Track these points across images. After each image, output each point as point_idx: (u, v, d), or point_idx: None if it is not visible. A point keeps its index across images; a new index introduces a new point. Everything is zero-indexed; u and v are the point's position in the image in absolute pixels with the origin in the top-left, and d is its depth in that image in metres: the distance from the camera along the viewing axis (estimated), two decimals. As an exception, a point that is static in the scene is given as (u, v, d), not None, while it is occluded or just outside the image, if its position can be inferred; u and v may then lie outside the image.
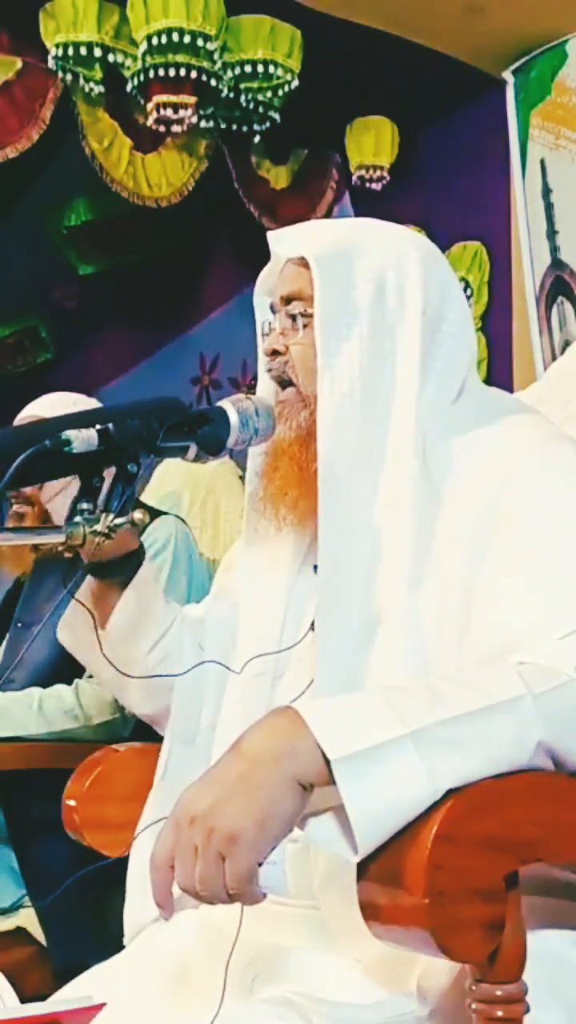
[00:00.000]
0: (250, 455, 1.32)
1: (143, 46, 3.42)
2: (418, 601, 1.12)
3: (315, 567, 1.22)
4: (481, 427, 1.19)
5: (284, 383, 1.26)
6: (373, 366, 1.19)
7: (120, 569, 1.32)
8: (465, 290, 4.26)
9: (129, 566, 1.33)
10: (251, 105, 3.79)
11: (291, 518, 1.25)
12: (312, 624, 1.22)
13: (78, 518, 1.14)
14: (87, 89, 3.63)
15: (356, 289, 1.20)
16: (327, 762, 0.89)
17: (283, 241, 1.29)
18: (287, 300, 1.26)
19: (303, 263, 1.23)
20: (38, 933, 1.87)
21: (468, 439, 1.18)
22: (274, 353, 1.26)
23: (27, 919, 1.88)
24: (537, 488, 1.12)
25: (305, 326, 1.23)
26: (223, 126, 3.93)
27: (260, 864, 0.90)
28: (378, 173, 4.30)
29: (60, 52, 3.49)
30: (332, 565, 1.16)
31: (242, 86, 3.71)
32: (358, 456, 1.17)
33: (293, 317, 1.25)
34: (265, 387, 1.32)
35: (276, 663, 1.26)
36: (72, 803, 1.42)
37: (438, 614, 1.11)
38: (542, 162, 4.06)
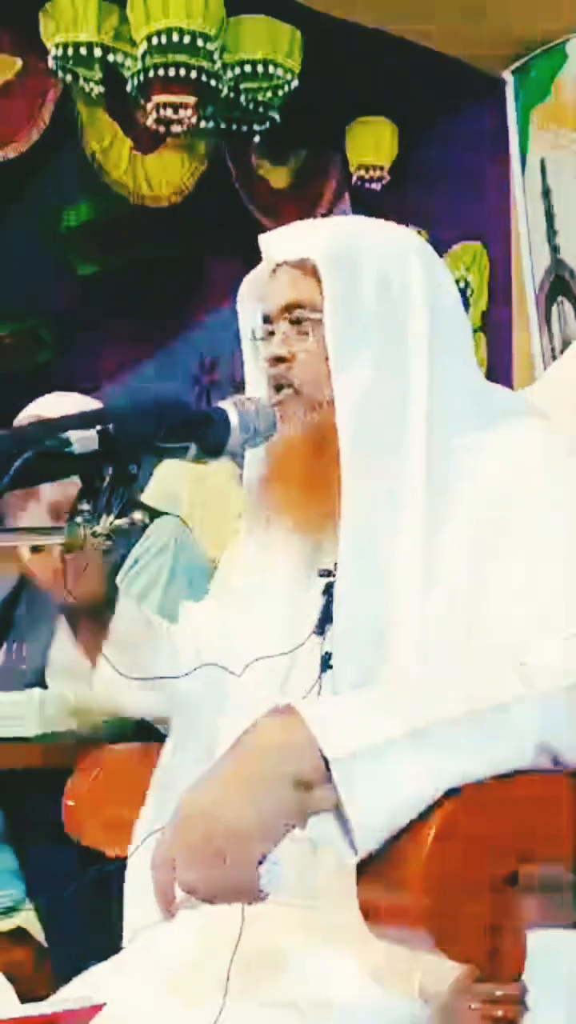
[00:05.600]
0: (248, 460, 1.30)
1: (143, 46, 3.42)
2: (429, 600, 1.12)
3: (319, 572, 1.23)
4: (487, 428, 1.19)
5: (283, 387, 1.25)
6: (386, 368, 1.18)
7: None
8: (465, 290, 4.26)
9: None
10: (251, 105, 3.79)
11: (294, 522, 1.25)
12: (316, 628, 1.22)
13: (78, 519, 1.14)
14: (87, 89, 3.63)
15: (363, 291, 1.19)
16: (326, 761, 0.89)
17: (279, 244, 1.26)
18: (289, 307, 1.23)
19: (299, 266, 1.22)
20: (38, 933, 1.87)
21: (475, 439, 1.18)
22: (278, 360, 1.23)
23: (27, 919, 1.88)
24: (543, 493, 1.13)
25: (310, 332, 1.21)
26: (223, 126, 3.93)
27: (261, 863, 0.91)
28: (378, 173, 4.31)
29: (60, 52, 3.50)
30: (352, 570, 1.15)
31: (242, 86, 3.71)
32: (379, 459, 1.17)
33: (297, 323, 1.22)
34: (253, 390, 1.30)
35: (284, 666, 1.25)
36: (72, 803, 1.42)
37: (446, 614, 1.11)
38: (542, 162, 4.06)
